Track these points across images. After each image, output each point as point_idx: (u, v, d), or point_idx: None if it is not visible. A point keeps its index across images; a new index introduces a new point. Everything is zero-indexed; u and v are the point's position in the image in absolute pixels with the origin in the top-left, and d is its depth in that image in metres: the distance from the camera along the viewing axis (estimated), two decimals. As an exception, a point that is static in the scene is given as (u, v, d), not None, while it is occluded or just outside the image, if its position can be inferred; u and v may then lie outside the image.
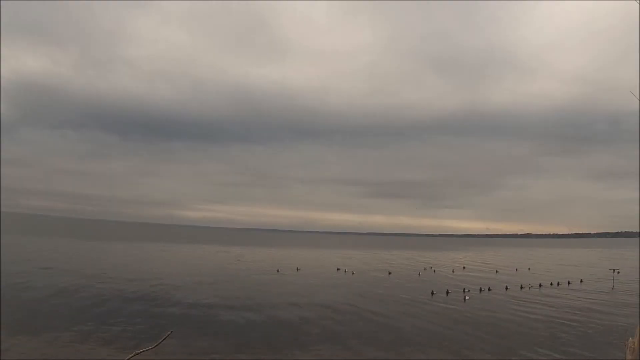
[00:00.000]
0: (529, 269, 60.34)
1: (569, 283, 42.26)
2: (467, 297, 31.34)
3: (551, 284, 40.69)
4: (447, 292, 33.74)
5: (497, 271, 55.61)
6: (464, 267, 60.76)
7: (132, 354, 4.23)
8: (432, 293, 33.15)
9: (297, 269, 49.80)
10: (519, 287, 38.06)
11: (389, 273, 49.42)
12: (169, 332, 5.26)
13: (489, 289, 35.89)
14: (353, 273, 47.96)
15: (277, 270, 47.20)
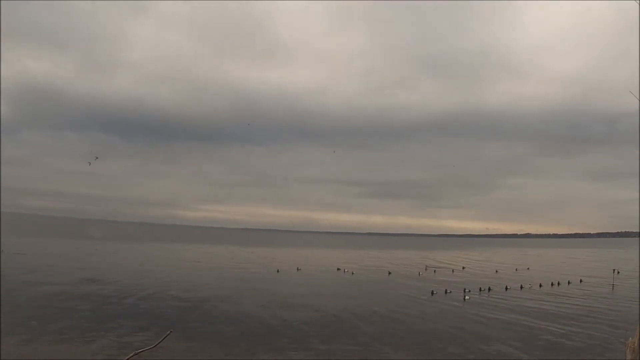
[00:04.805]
0: (528, 268, 60.33)
1: (568, 283, 42.27)
2: (466, 297, 31.34)
3: (551, 284, 40.67)
4: (447, 292, 33.76)
5: (496, 271, 55.61)
6: (463, 267, 60.75)
7: (132, 354, 4.23)
8: (432, 293, 33.16)
9: (298, 269, 49.81)
10: (519, 287, 38.06)
11: (389, 273, 49.43)
12: (169, 331, 5.26)
13: (489, 289, 35.89)
14: (353, 273, 47.97)
15: (278, 271, 47.19)
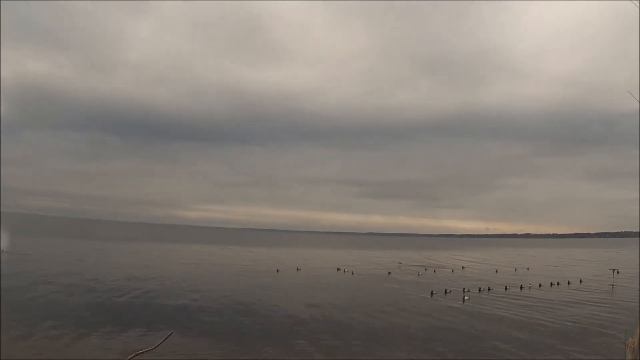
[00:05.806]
0: (528, 268, 60.36)
1: (568, 283, 42.29)
2: (466, 298, 31.32)
3: (551, 284, 40.69)
4: (446, 292, 33.76)
5: (496, 271, 55.62)
6: (463, 267, 60.77)
7: (132, 355, 4.23)
8: (432, 293, 33.13)
9: (297, 269, 49.81)
10: (519, 288, 38.07)
11: (389, 273, 49.45)
12: (170, 332, 5.27)
13: (489, 289, 35.89)
14: (353, 273, 47.98)
15: (277, 270, 47.19)
